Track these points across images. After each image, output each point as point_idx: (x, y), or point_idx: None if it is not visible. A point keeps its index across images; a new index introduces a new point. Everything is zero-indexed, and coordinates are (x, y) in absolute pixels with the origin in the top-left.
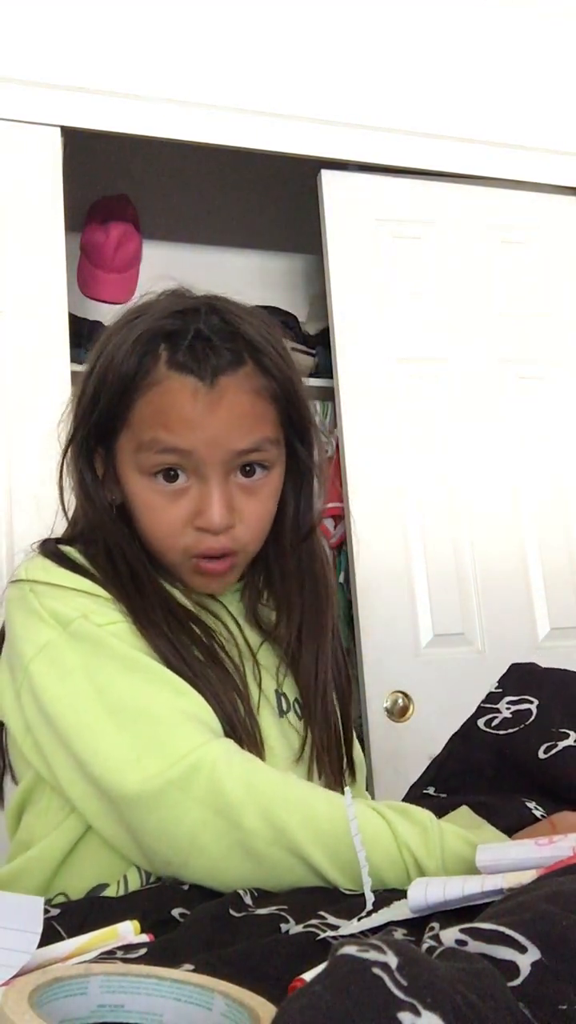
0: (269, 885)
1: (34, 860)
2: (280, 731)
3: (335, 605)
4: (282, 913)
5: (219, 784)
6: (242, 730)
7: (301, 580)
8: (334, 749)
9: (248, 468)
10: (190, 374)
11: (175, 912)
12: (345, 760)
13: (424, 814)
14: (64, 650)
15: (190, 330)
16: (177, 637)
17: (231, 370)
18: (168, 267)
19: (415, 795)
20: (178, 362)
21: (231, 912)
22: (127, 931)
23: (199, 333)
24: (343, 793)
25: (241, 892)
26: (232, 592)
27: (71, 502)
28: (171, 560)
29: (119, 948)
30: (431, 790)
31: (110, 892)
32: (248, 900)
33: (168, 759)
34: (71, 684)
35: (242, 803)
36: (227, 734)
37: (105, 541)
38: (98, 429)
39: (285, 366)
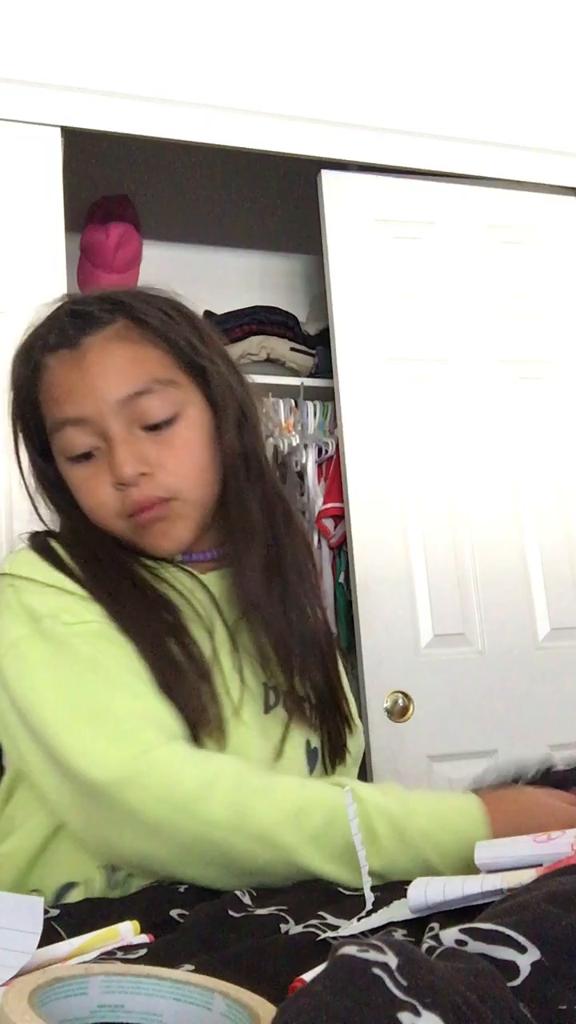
0: (235, 873)
1: (5, 856)
2: (261, 728)
3: (310, 554)
4: (282, 913)
5: (174, 780)
6: (207, 732)
7: (264, 513)
8: (317, 711)
9: (154, 427)
10: (58, 348)
11: (174, 913)
12: (336, 734)
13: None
14: (32, 647)
15: (60, 311)
16: (150, 639)
17: (96, 329)
18: (168, 267)
19: None
20: (49, 343)
21: (230, 912)
22: (127, 931)
23: (69, 310)
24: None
25: (239, 893)
26: (215, 573)
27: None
28: (116, 530)
29: (119, 949)
30: None
31: (78, 893)
32: (247, 900)
33: (126, 754)
34: (38, 679)
35: (199, 796)
36: (195, 735)
37: (84, 535)
38: (31, 434)
39: (166, 315)
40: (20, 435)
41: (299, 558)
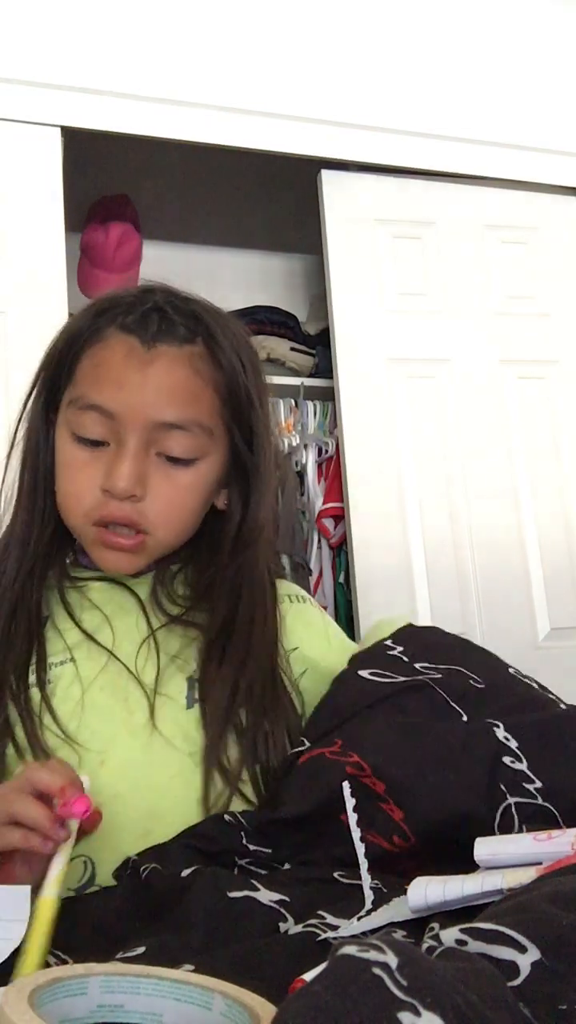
0: None
1: None
2: (181, 724)
3: (271, 629)
4: (282, 910)
5: None
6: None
7: (237, 589)
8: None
9: (170, 458)
10: (132, 334)
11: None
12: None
13: None
14: None
15: (149, 299)
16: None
17: (174, 341)
18: (168, 267)
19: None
20: (126, 324)
21: (229, 896)
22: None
23: (156, 303)
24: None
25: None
26: (145, 576)
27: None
28: (74, 524)
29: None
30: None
31: None
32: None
33: None
34: None
35: None
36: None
37: (11, 524)
38: (48, 386)
39: (241, 365)
40: (39, 384)
41: (257, 632)
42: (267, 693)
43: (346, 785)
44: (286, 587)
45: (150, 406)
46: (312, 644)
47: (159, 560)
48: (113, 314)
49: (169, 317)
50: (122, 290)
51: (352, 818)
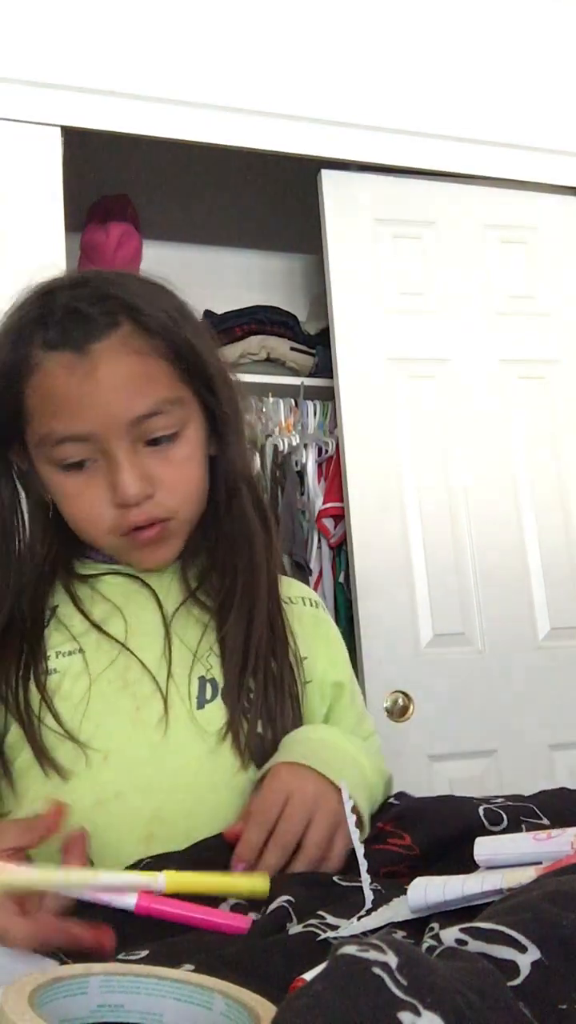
0: None
1: None
2: (191, 724)
3: (271, 571)
4: (287, 908)
5: None
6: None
7: (234, 542)
8: (263, 733)
9: (154, 440)
10: (61, 349)
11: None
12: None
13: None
14: None
15: (57, 305)
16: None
17: (103, 335)
18: (168, 267)
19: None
20: (49, 341)
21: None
22: (162, 882)
23: (66, 306)
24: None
25: None
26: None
27: None
28: (105, 546)
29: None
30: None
31: None
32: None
33: None
34: None
35: None
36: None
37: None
38: (4, 429)
39: (171, 321)
40: None
41: (272, 575)
42: (276, 645)
43: (344, 785)
44: (299, 588)
45: (116, 409)
46: (319, 659)
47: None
48: (29, 334)
49: (83, 312)
50: (21, 303)
51: (351, 819)
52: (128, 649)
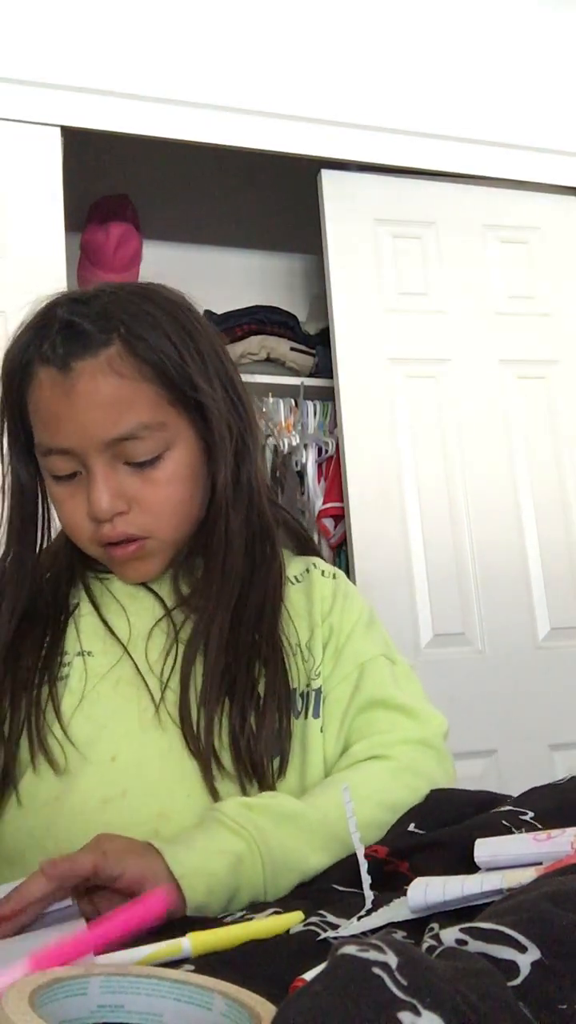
0: None
1: None
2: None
3: (269, 577)
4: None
5: None
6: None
7: (224, 556)
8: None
9: (137, 463)
10: (49, 363)
11: None
12: (267, 755)
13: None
14: None
15: (57, 318)
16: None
17: (88, 353)
18: (168, 267)
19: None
20: (43, 354)
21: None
22: (187, 947)
23: (64, 320)
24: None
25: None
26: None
27: None
28: (92, 554)
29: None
30: (412, 826)
31: None
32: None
33: None
34: None
35: None
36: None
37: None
38: (12, 429)
39: (171, 346)
40: (5, 426)
41: (270, 594)
42: (269, 650)
43: (344, 788)
44: (321, 564)
45: (92, 429)
46: (344, 624)
47: (181, 555)
48: (34, 345)
49: (78, 327)
50: (37, 309)
51: (352, 821)
52: (129, 653)
